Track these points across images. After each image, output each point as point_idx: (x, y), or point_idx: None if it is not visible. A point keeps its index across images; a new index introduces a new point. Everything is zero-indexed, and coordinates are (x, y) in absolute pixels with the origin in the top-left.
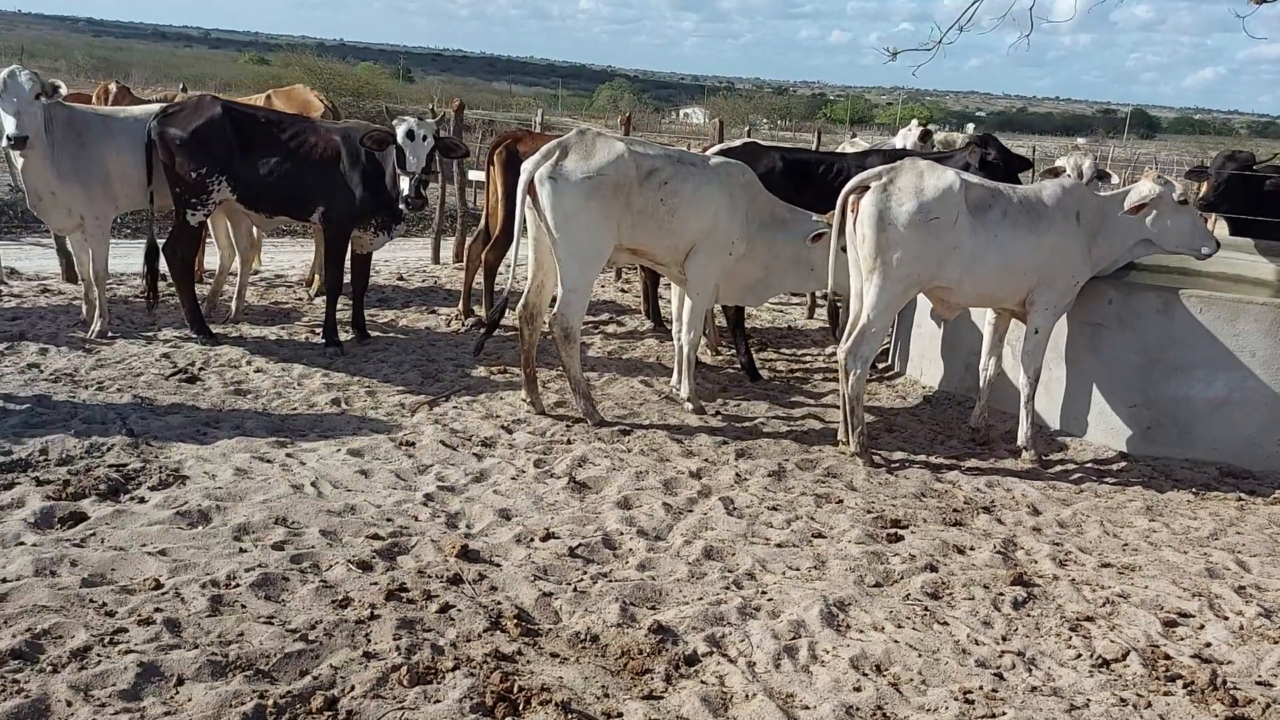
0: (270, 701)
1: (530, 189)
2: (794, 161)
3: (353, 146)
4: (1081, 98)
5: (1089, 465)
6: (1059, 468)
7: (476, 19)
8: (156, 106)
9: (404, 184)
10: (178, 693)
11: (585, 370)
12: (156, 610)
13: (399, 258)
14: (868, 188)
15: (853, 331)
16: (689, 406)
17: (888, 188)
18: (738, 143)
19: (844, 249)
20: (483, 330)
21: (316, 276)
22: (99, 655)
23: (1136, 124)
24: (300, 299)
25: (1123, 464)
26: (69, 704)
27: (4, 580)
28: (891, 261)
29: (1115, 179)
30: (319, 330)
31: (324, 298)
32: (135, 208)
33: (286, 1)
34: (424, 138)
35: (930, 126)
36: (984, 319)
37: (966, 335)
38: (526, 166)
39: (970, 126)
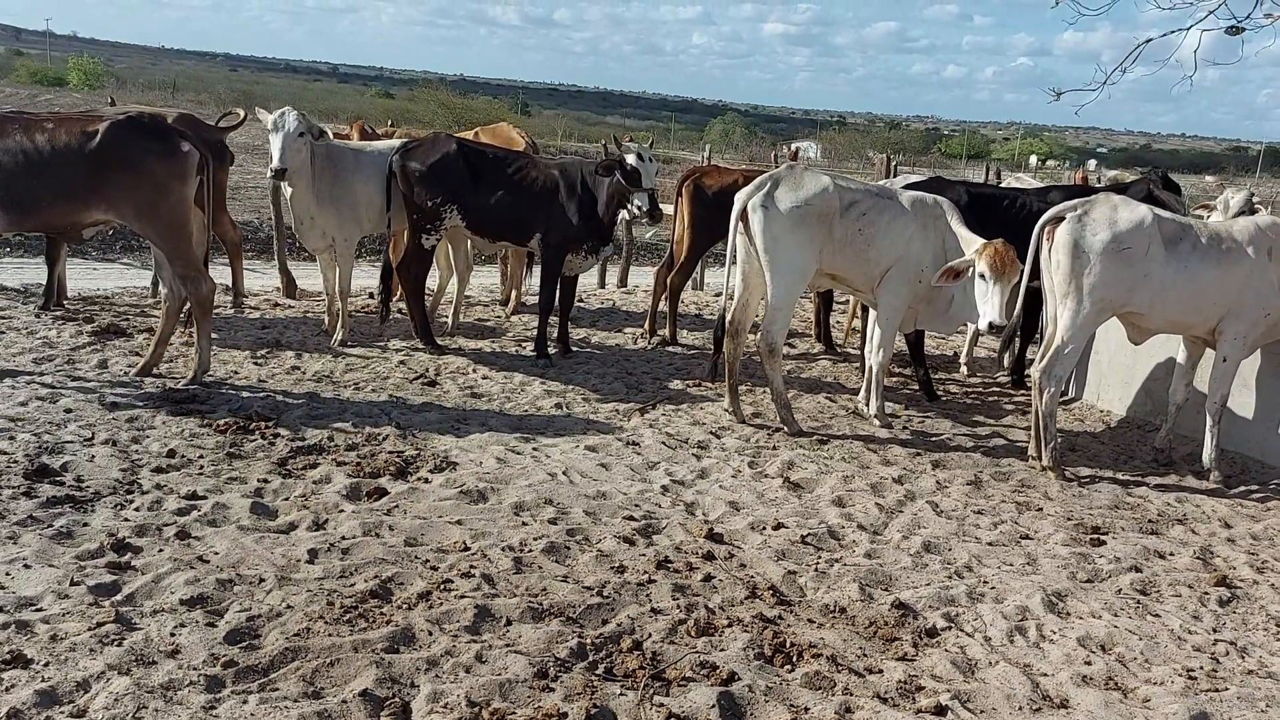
0: (588, 640)
1: (743, 215)
2: (979, 195)
3: (569, 180)
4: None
5: (1274, 486)
6: (1243, 488)
7: (591, 54)
8: (397, 142)
9: (641, 200)
10: (509, 630)
11: None
12: (472, 567)
13: None
14: (1063, 218)
15: (1048, 352)
16: (877, 421)
17: (1083, 218)
18: (923, 177)
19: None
20: (712, 355)
21: (512, 296)
22: (439, 599)
23: (1270, 161)
24: (499, 317)
25: None
26: (429, 633)
27: (343, 538)
28: (1084, 287)
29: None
30: (525, 344)
31: (518, 315)
32: (375, 231)
33: (409, 38)
34: (650, 159)
35: (1051, 162)
36: (1166, 347)
37: (1144, 362)
38: (740, 196)
39: (1092, 163)
